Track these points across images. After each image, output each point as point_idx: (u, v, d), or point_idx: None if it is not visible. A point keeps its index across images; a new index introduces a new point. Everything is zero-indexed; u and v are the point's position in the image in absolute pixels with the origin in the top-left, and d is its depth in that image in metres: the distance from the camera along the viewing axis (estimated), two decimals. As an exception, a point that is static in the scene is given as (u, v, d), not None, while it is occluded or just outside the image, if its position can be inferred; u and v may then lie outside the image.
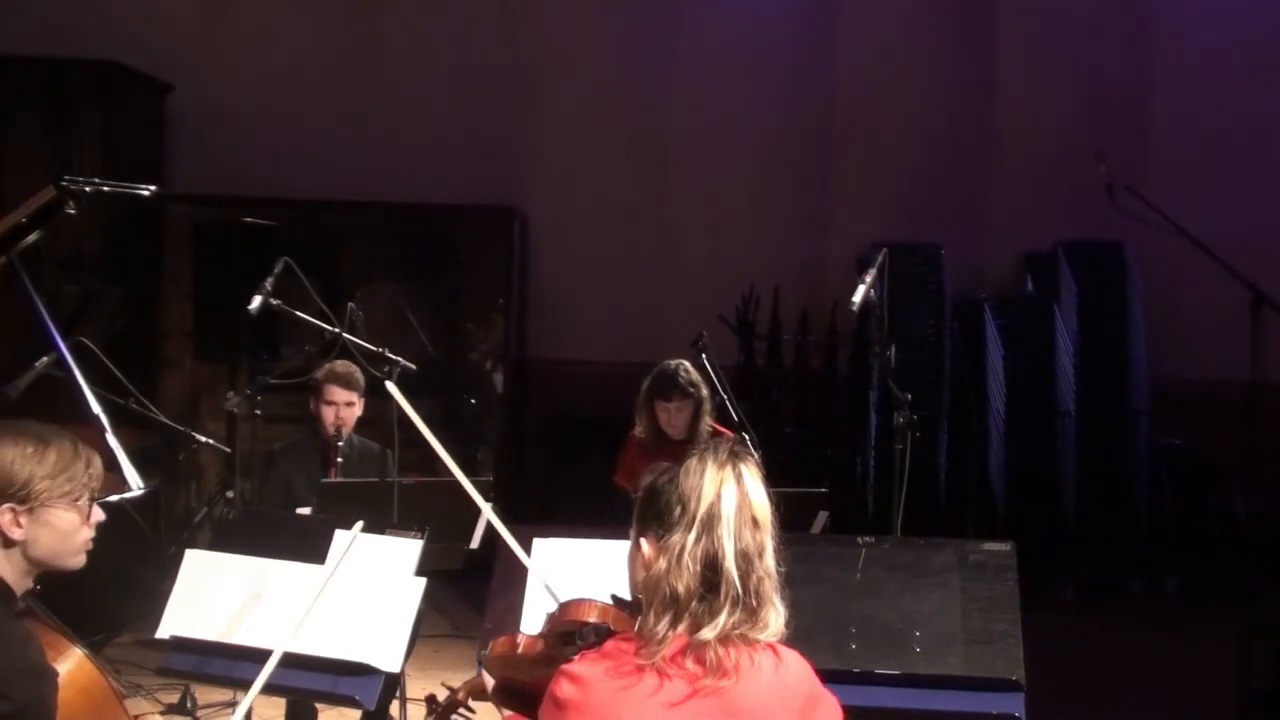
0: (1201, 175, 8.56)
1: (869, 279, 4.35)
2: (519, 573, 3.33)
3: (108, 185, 4.71)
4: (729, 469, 2.10)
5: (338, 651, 3.28)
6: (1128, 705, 6.10)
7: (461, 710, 2.70)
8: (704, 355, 4.93)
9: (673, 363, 5.11)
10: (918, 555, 3.31)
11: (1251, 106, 8.67)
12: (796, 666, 2.13)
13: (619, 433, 5.36)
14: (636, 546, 2.17)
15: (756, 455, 2.17)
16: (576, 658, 2.12)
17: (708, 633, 2.04)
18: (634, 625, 2.15)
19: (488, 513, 2.80)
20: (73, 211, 4.41)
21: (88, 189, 4.44)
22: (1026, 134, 8.79)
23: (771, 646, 2.11)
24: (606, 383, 7.02)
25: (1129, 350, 8.36)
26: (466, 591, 5.85)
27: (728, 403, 4.87)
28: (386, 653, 3.27)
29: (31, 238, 4.38)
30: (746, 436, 4.64)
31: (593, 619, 2.21)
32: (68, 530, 2.49)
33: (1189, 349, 8.43)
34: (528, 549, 3.37)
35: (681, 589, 2.04)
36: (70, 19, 8.47)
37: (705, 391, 5.03)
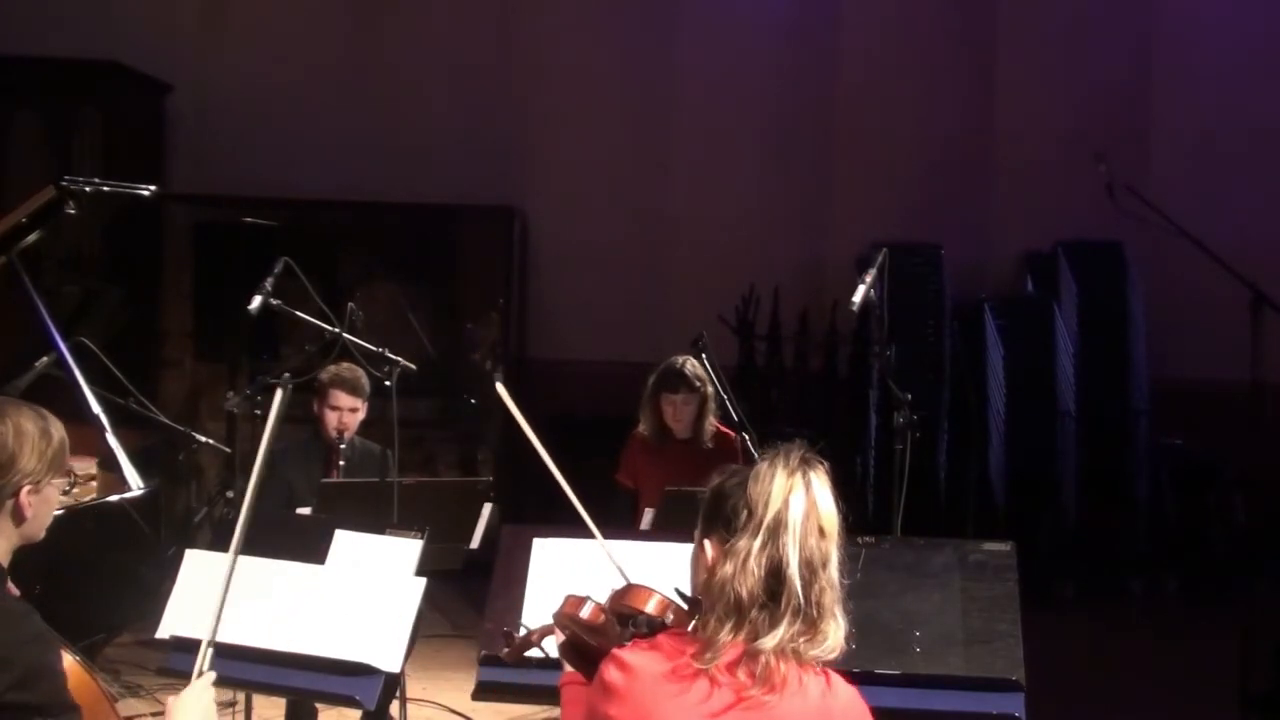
0: (1201, 175, 8.56)
1: (869, 279, 4.35)
2: (520, 572, 3.33)
3: (108, 185, 4.71)
4: (799, 476, 2.08)
5: (338, 651, 3.28)
6: (1128, 705, 6.10)
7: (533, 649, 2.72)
8: (704, 355, 4.94)
9: (679, 358, 5.13)
10: (918, 555, 3.31)
11: (1251, 106, 8.67)
12: (846, 697, 2.12)
13: (619, 432, 5.36)
14: (700, 548, 2.15)
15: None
16: (629, 644, 2.14)
17: (766, 641, 2.02)
18: (689, 623, 2.16)
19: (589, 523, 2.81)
20: (73, 211, 4.40)
21: (88, 189, 4.44)
22: (1026, 134, 8.79)
23: (825, 673, 2.10)
24: (606, 383, 7.02)
25: (1129, 350, 8.36)
26: (466, 591, 5.86)
27: (728, 402, 4.88)
28: (386, 653, 3.27)
29: (31, 238, 4.38)
30: (747, 436, 4.64)
31: (649, 609, 2.24)
32: (55, 505, 2.52)
33: (1189, 349, 8.43)
34: (528, 549, 3.38)
35: (745, 594, 2.03)
36: (70, 19, 8.47)
37: (710, 389, 5.04)
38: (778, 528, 2.05)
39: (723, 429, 5.05)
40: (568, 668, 2.47)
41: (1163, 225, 5.33)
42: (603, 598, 2.40)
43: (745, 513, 2.07)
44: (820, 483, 2.10)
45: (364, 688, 3.26)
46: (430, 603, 3.38)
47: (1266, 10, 8.84)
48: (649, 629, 2.21)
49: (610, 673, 2.08)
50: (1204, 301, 7.75)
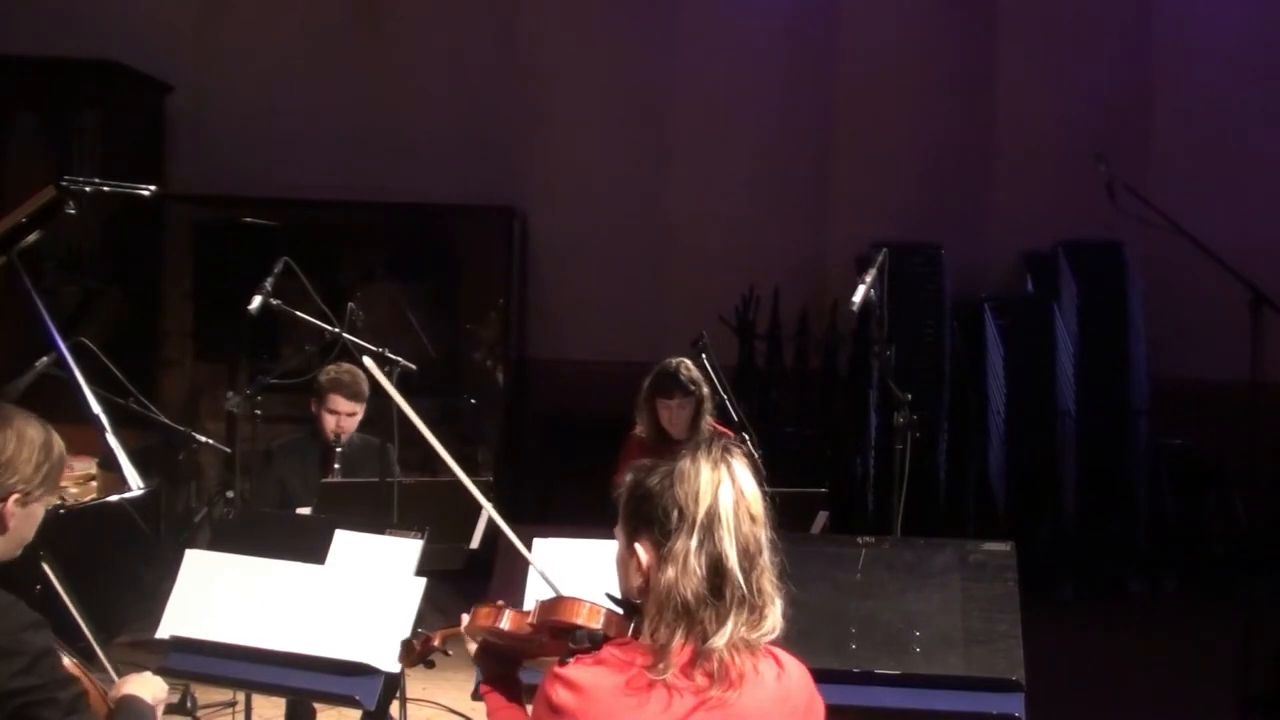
0: (1201, 175, 8.56)
1: (869, 279, 4.35)
2: (519, 573, 3.33)
3: (108, 185, 4.70)
4: (723, 468, 2.09)
5: (338, 651, 3.29)
6: (1128, 705, 6.10)
7: (435, 653, 2.67)
8: (704, 355, 4.93)
9: (674, 360, 5.11)
10: (918, 555, 3.31)
11: (1251, 106, 8.67)
12: (797, 673, 2.13)
13: (619, 433, 5.36)
14: (630, 551, 2.14)
15: (751, 451, 2.17)
16: (572, 661, 2.10)
17: (718, 640, 2.02)
18: (628, 628, 2.14)
19: (488, 509, 2.79)
20: (73, 211, 4.40)
21: (88, 189, 4.44)
22: (1026, 134, 8.79)
23: (773, 654, 2.10)
24: (606, 383, 7.02)
25: (1129, 350, 8.36)
26: (466, 591, 5.84)
27: (728, 403, 4.87)
28: (386, 653, 3.27)
29: (31, 238, 4.38)
30: (746, 436, 4.64)
31: (585, 622, 2.19)
32: (37, 523, 2.51)
33: (1189, 349, 8.43)
34: (528, 549, 3.37)
35: (691, 596, 2.03)
36: (70, 19, 8.47)
37: (706, 390, 5.03)
38: (711, 523, 2.05)
39: (721, 429, 5.05)
40: (482, 686, 2.42)
41: (1163, 225, 5.32)
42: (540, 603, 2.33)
43: (676, 513, 2.07)
44: (743, 469, 2.12)
45: (364, 688, 3.27)
46: (430, 603, 3.39)
47: (1266, 10, 8.84)
48: (591, 643, 2.15)
49: (559, 693, 2.04)
50: (1204, 301, 7.75)
